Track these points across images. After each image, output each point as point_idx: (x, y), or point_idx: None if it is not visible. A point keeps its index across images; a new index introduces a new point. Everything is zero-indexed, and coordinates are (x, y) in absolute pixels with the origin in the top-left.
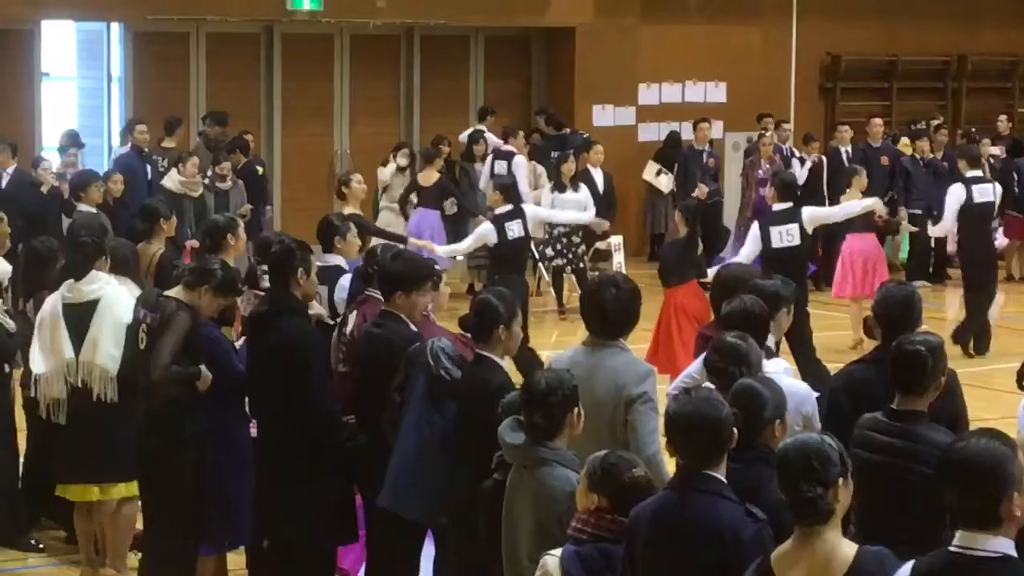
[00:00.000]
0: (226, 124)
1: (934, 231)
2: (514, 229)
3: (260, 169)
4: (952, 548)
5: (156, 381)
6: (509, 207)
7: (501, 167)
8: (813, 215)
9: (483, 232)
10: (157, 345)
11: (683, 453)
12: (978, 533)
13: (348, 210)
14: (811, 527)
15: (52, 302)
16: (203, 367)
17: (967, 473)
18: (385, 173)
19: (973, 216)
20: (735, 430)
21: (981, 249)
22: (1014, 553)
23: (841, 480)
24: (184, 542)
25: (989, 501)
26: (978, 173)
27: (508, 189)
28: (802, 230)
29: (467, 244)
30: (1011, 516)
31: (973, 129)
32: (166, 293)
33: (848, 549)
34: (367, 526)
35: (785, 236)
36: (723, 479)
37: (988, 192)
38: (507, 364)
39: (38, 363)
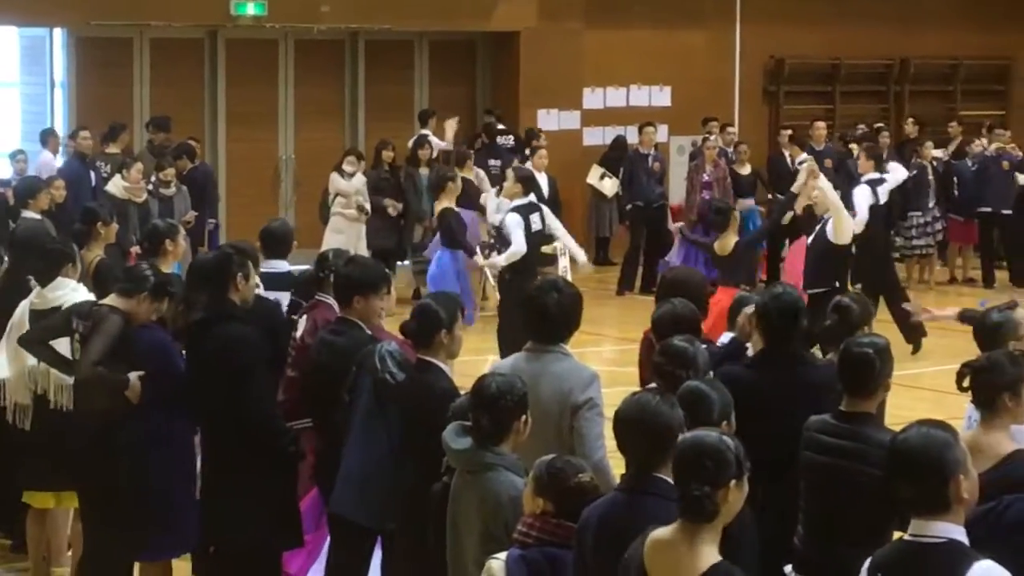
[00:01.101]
0: (169, 130)
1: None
2: (536, 222)
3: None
4: (906, 537)
5: (81, 380)
6: (528, 199)
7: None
8: None
9: (516, 223)
10: (86, 346)
11: (630, 454)
12: (928, 520)
13: (445, 203)
14: (692, 523)
15: (22, 308)
16: (134, 376)
17: (911, 461)
18: (342, 183)
19: (876, 216)
20: (680, 434)
21: (883, 247)
22: (961, 537)
23: (734, 482)
24: (120, 554)
25: (935, 487)
26: (877, 175)
27: (528, 180)
28: None
29: (517, 243)
30: (959, 499)
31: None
32: (101, 301)
33: (708, 558)
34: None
35: None
36: (671, 482)
37: (886, 193)
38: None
39: (3, 368)
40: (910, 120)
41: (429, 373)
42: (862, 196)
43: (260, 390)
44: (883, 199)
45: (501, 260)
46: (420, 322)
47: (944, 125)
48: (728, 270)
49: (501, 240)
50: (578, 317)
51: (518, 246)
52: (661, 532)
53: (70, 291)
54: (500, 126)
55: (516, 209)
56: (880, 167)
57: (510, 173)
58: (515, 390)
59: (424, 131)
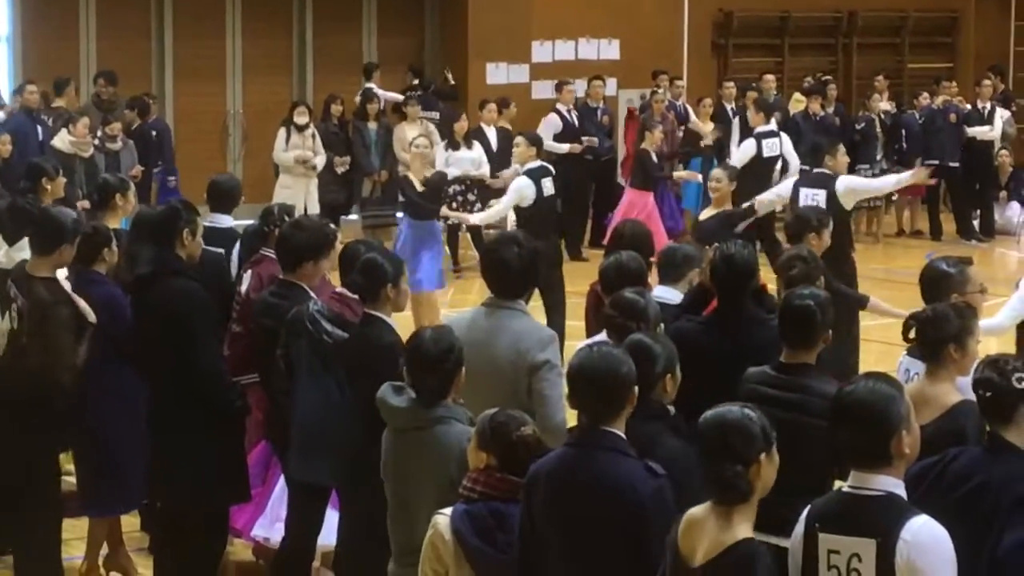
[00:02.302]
0: (116, 83)
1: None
2: (547, 186)
3: (153, 133)
4: (845, 488)
5: (71, 383)
6: (539, 163)
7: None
8: (851, 186)
9: (519, 188)
10: (54, 346)
11: (583, 407)
12: (868, 473)
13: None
14: (727, 506)
15: None
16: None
17: (856, 413)
18: (281, 154)
19: (760, 171)
20: (635, 386)
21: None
22: (900, 492)
23: (764, 455)
24: (51, 522)
25: (878, 440)
26: (771, 127)
27: (540, 143)
28: (831, 198)
29: (503, 206)
30: (900, 454)
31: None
32: (27, 270)
33: (739, 533)
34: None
35: (811, 199)
36: (622, 435)
37: (776, 146)
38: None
39: None
40: (825, 76)
41: (374, 327)
42: (743, 153)
43: (206, 345)
44: (767, 153)
45: (475, 219)
46: (366, 277)
47: (895, 78)
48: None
49: (448, 194)
50: (537, 272)
51: (500, 210)
52: (696, 511)
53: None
54: (415, 80)
55: (528, 173)
56: (768, 120)
57: (521, 139)
58: (455, 348)
59: (369, 84)
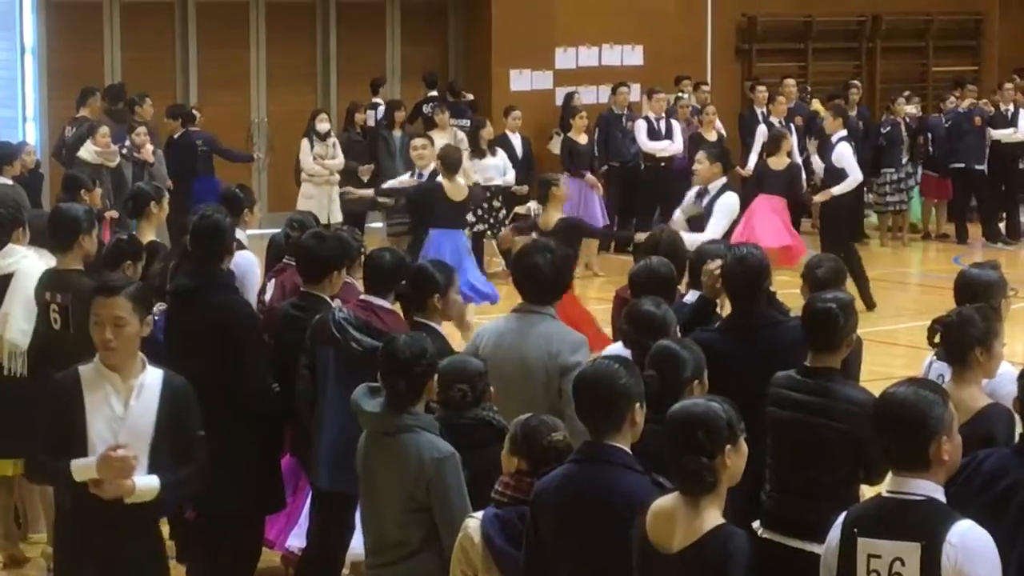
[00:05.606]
0: (122, 96)
1: (842, 188)
2: None
3: (199, 143)
4: (884, 493)
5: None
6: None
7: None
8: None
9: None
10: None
11: (585, 420)
12: (908, 477)
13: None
14: (695, 496)
15: None
16: None
17: (897, 416)
18: (310, 164)
19: (838, 178)
20: (639, 402)
21: (848, 205)
22: (940, 497)
23: (729, 447)
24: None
25: (917, 444)
26: (846, 132)
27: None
28: None
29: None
30: (939, 460)
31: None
32: (58, 268)
33: (711, 521)
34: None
35: None
36: (627, 449)
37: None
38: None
39: None
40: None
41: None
42: (850, 154)
43: (255, 359)
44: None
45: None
46: (414, 286)
47: (918, 82)
48: None
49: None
50: (570, 278)
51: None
52: (663, 501)
53: (20, 258)
54: (432, 93)
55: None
56: (848, 124)
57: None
58: (428, 353)
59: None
